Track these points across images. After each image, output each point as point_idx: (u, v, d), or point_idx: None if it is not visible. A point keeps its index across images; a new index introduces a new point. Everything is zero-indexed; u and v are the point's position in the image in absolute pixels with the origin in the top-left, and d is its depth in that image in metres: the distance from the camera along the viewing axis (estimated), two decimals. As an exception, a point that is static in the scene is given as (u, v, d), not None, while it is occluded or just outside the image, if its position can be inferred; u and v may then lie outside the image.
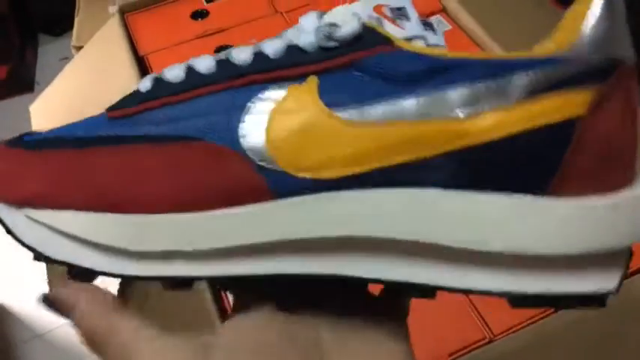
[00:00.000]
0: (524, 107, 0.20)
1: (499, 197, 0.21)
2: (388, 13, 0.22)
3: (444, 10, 0.62)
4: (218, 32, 0.62)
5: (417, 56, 0.21)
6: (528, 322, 0.41)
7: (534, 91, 0.20)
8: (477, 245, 0.21)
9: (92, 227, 0.23)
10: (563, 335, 0.40)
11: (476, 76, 0.21)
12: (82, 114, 0.30)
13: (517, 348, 0.39)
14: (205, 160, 0.22)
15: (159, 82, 0.24)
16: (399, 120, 0.21)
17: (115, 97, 0.27)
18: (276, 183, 0.21)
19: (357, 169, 0.21)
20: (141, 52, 0.60)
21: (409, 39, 0.22)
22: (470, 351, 0.39)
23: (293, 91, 0.22)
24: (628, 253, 0.21)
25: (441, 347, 0.40)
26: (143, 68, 0.59)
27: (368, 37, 0.22)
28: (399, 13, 0.22)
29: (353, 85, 0.21)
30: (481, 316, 0.40)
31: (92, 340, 0.22)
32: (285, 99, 0.22)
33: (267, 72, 0.22)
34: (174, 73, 0.24)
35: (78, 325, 0.22)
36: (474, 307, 0.42)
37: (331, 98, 0.21)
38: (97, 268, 0.23)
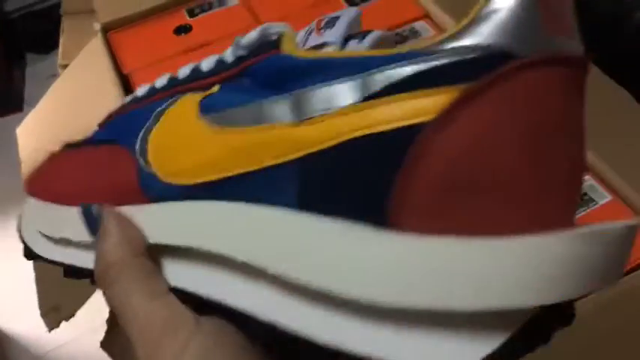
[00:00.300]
0: (364, 110, 0.16)
1: (337, 225, 0.17)
2: (322, 23, 0.21)
3: (427, 16, 0.62)
4: (202, 46, 0.61)
5: (288, 58, 0.19)
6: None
7: (383, 92, 0.16)
8: (318, 285, 0.17)
9: (40, 215, 0.25)
10: (566, 338, 0.40)
11: (331, 76, 0.17)
12: (68, 135, 0.31)
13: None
14: (110, 161, 0.23)
15: (134, 93, 0.26)
16: (252, 126, 0.19)
17: (99, 117, 0.28)
18: (149, 187, 0.21)
19: (209, 177, 0.19)
20: (125, 70, 0.60)
21: (320, 46, 0.20)
22: None
23: (181, 99, 0.22)
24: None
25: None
26: (128, 86, 0.59)
27: (264, 44, 0.21)
28: (329, 23, 0.20)
29: (236, 92, 0.20)
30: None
31: (104, 271, 0.22)
32: (173, 107, 0.22)
33: (188, 83, 0.23)
34: (143, 88, 0.25)
35: (100, 249, 0.22)
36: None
37: (210, 106, 0.21)
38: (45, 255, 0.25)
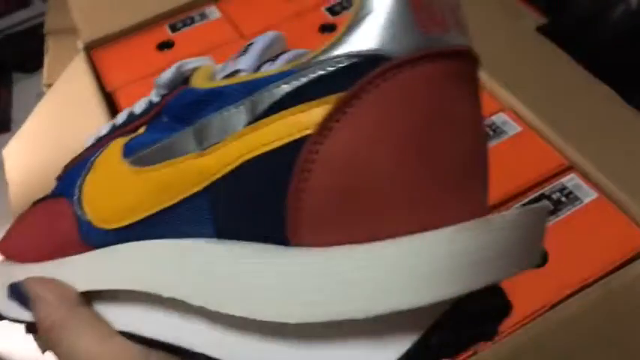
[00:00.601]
0: (254, 131, 0.16)
1: (249, 249, 0.17)
2: (240, 51, 0.21)
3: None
4: (185, 61, 0.62)
5: (192, 90, 0.19)
6: (514, 327, 0.41)
7: (269, 111, 0.16)
8: (241, 313, 0.17)
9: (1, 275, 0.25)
10: (551, 339, 0.40)
11: (228, 102, 0.17)
12: (54, 155, 0.31)
13: (504, 356, 0.39)
14: (54, 215, 0.23)
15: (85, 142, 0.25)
16: (165, 162, 0.19)
17: (85, 137, 0.28)
18: (88, 235, 0.21)
19: (134, 218, 0.20)
20: (109, 88, 0.60)
21: (233, 73, 0.20)
22: (456, 364, 0.39)
23: (111, 145, 0.22)
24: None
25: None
26: (112, 104, 0.59)
27: (178, 80, 0.21)
28: (244, 50, 0.20)
29: (156, 131, 0.21)
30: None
31: (48, 332, 0.22)
32: (103, 153, 0.22)
33: (124, 127, 0.23)
34: (91, 137, 0.25)
35: (37, 314, 0.22)
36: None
37: (132, 148, 0.21)
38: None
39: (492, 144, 0.50)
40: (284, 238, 0.16)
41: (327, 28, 0.61)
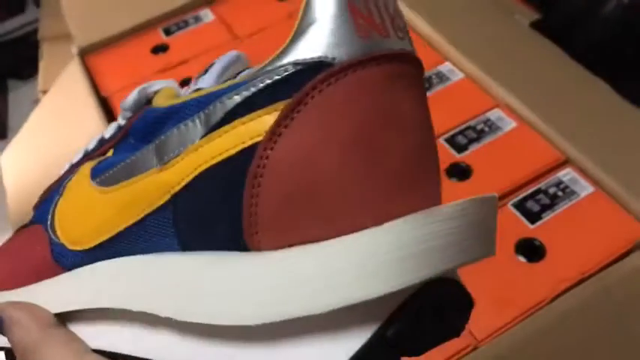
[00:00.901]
0: (209, 142, 0.17)
1: (212, 258, 0.17)
2: (201, 72, 0.21)
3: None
4: (180, 64, 0.62)
5: (152, 110, 0.20)
6: (513, 323, 0.41)
7: (222, 122, 0.17)
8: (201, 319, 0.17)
9: None
10: (550, 333, 0.40)
11: (184, 116, 0.18)
12: (51, 160, 0.31)
13: (504, 351, 0.39)
14: (30, 241, 0.23)
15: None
16: (129, 180, 0.19)
17: (81, 143, 0.29)
18: (61, 257, 0.22)
19: (103, 237, 0.20)
20: (104, 93, 0.60)
21: (193, 92, 0.20)
22: (456, 360, 0.39)
23: (80, 169, 0.23)
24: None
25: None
26: (107, 109, 0.59)
27: (141, 102, 0.22)
28: (206, 70, 0.21)
29: (122, 152, 0.21)
30: (464, 324, 0.40)
31: (24, 354, 0.22)
32: (74, 178, 0.22)
33: (95, 152, 0.23)
34: (67, 164, 0.25)
35: (12, 338, 0.22)
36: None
37: (99, 170, 0.21)
38: None
39: (488, 140, 0.50)
40: (242, 244, 0.17)
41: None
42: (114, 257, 0.20)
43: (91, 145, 0.24)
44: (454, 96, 0.54)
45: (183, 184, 0.18)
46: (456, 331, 0.18)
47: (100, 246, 0.20)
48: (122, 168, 0.20)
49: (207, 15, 0.66)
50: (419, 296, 0.16)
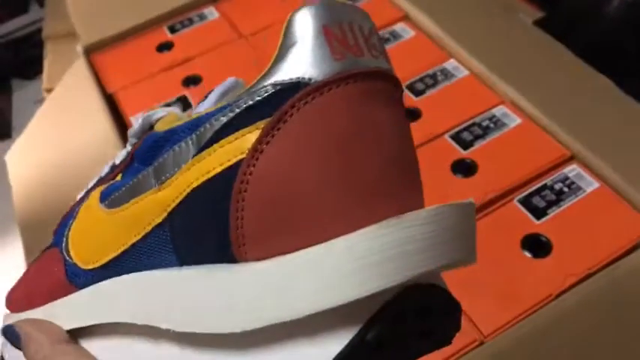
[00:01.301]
0: (200, 160, 0.18)
1: (205, 271, 0.18)
2: (201, 99, 0.22)
3: (406, 18, 0.63)
4: (185, 62, 0.62)
5: (153, 134, 0.21)
6: (519, 318, 0.41)
7: (211, 141, 0.18)
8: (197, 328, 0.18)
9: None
10: (556, 328, 0.40)
11: (179, 139, 0.19)
12: (57, 158, 0.31)
13: (510, 346, 0.39)
14: (47, 264, 0.24)
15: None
16: (132, 201, 0.21)
17: (87, 140, 0.29)
18: (75, 277, 0.23)
19: (110, 256, 0.21)
20: (109, 91, 0.60)
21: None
22: (462, 355, 0.39)
23: (92, 193, 0.24)
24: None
25: (431, 356, 0.39)
26: (113, 107, 0.59)
27: (145, 128, 0.23)
28: (205, 97, 0.22)
29: (128, 176, 0.22)
30: (469, 318, 0.40)
31: None
32: (86, 202, 0.24)
33: (106, 177, 0.24)
34: (82, 192, 0.26)
35: (27, 352, 0.23)
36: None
37: (107, 193, 0.23)
38: None
39: (493, 136, 0.50)
40: (232, 256, 0.18)
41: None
42: (122, 274, 0.21)
43: (104, 171, 0.25)
44: (459, 93, 0.54)
45: (177, 201, 0.19)
46: (445, 338, 0.19)
47: (108, 264, 0.21)
48: (126, 190, 0.21)
49: (212, 13, 0.66)
50: (397, 299, 0.17)
